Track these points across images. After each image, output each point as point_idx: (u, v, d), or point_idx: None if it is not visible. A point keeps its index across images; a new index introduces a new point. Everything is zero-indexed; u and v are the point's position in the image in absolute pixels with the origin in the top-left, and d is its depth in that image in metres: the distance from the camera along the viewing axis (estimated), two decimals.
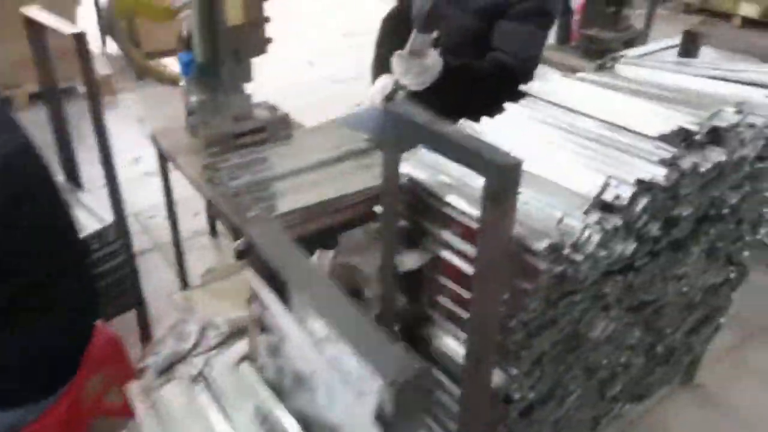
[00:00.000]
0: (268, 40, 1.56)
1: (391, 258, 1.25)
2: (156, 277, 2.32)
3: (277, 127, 1.62)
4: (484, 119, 1.33)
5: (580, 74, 1.48)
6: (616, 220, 1.05)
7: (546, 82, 1.41)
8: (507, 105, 1.37)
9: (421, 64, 1.55)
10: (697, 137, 1.17)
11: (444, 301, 1.21)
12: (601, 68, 1.79)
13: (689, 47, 1.62)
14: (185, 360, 1.24)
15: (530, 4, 1.67)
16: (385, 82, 1.72)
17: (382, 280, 1.31)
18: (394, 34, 2.01)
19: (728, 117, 1.21)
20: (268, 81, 2.05)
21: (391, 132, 1.12)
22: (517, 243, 1.00)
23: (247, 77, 1.54)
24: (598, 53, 2.31)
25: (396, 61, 1.59)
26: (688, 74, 1.48)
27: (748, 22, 5.48)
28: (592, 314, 1.19)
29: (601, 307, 1.21)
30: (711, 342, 1.80)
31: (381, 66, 1.98)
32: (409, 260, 1.23)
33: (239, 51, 1.50)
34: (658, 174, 1.08)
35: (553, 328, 1.14)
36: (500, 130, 1.28)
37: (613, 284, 1.18)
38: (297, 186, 1.41)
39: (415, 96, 1.74)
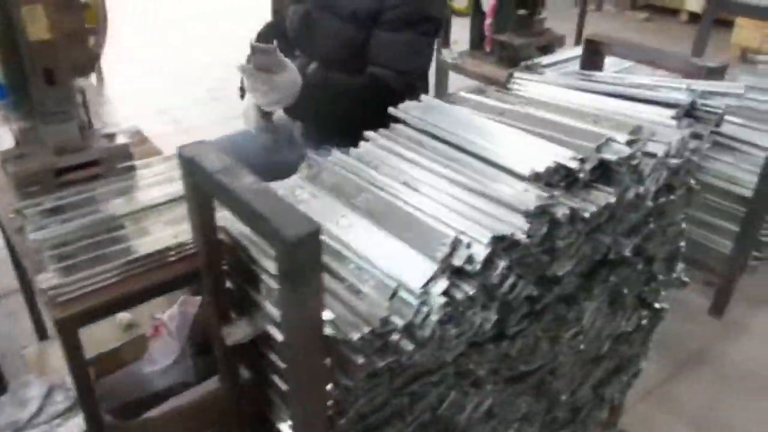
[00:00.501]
0: (95, 57, 1.31)
1: (218, 327, 1.00)
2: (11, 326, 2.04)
3: (114, 160, 1.36)
4: (352, 149, 1.10)
5: (461, 93, 1.26)
6: (469, 288, 0.83)
7: (420, 104, 1.19)
8: (368, 133, 1.14)
9: (269, 81, 1.31)
10: (580, 175, 0.95)
11: (280, 382, 0.97)
12: (509, 78, 1.58)
13: (593, 57, 1.41)
14: None
15: (406, 9, 1.44)
16: (249, 101, 1.47)
17: (217, 350, 1.07)
18: None
19: (619, 148, 0.99)
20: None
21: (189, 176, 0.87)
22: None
23: (67, 101, 1.28)
24: (512, 60, 2.10)
25: (244, 77, 1.35)
26: (585, 90, 1.27)
27: (694, 18, 5.38)
28: (456, 395, 0.96)
29: (470, 384, 0.98)
30: (631, 387, 1.60)
31: None
32: (237, 332, 0.99)
33: (53, 71, 1.24)
34: (522, 227, 0.85)
35: (405, 418, 0.91)
36: (354, 165, 1.05)
37: (482, 357, 0.96)
38: (119, 236, 1.15)
39: (293, 115, 1.51)
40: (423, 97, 1.21)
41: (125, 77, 4.08)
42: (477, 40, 2.25)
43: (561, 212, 0.90)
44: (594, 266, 1.09)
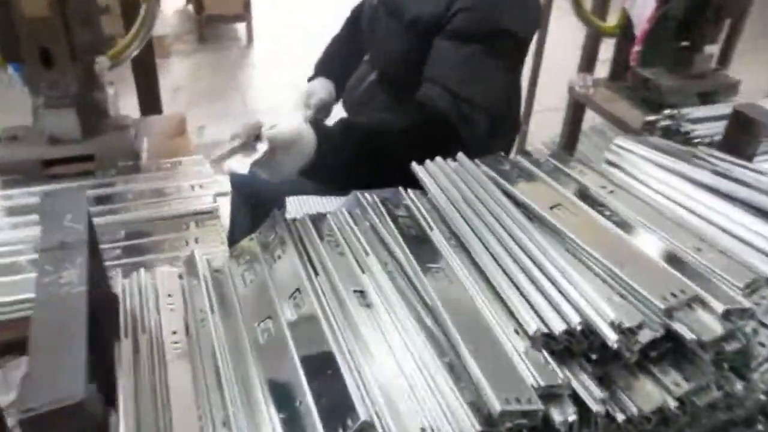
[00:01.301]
0: (110, 40, 1.12)
1: None
2: None
3: (114, 156, 1.17)
4: None
5: (518, 158, 0.89)
6: None
7: (450, 165, 0.85)
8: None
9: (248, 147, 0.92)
10: (626, 354, 0.58)
11: None
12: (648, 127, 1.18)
13: (742, 136, 0.97)
14: None
15: (475, 15, 1.08)
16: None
17: None
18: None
19: (709, 322, 0.60)
20: None
21: None
22: None
23: (65, 86, 1.10)
24: (654, 104, 1.63)
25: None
26: (705, 188, 0.85)
27: None
28: None
29: None
30: None
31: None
32: None
33: (49, 52, 1.06)
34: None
35: None
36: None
37: None
38: None
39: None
40: (459, 155, 0.87)
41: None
42: (619, 69, 1.80)
43: (558, 417, 0.53)
44: None
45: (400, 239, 0.71)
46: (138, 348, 0.62)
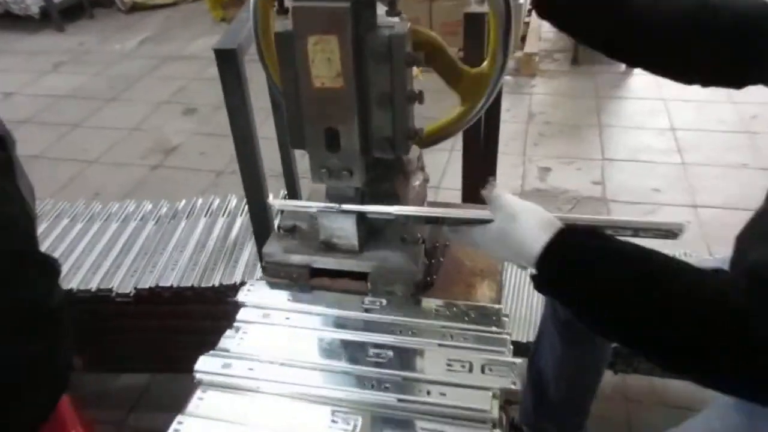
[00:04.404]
0: (416, 132, 0.78)
1: None
2: None
3: (390, 281, 0.87)
4: None
5: None
6: None
7: None
8: None
9: None
10: None
11: None
12: None
13: None
14: None
15: None
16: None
17: None
18: None
19: None
20: None
21: None
22: None
23: (350, 180, 0.82)
24: None
25: None
26: None
27: None
28: None
29: None
30: None
31: None
32: None
33: (337, 133, 0.78)
34: None
35: None
36: None
37: None
38: None
39: None
40: None
41: None
42: None
43: None
44: None
45: None
46: None
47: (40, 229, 1.67)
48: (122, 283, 1.46)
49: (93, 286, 1.46)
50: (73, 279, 1.49)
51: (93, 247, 1.59)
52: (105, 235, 1.64)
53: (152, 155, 2.98)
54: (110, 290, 1.45)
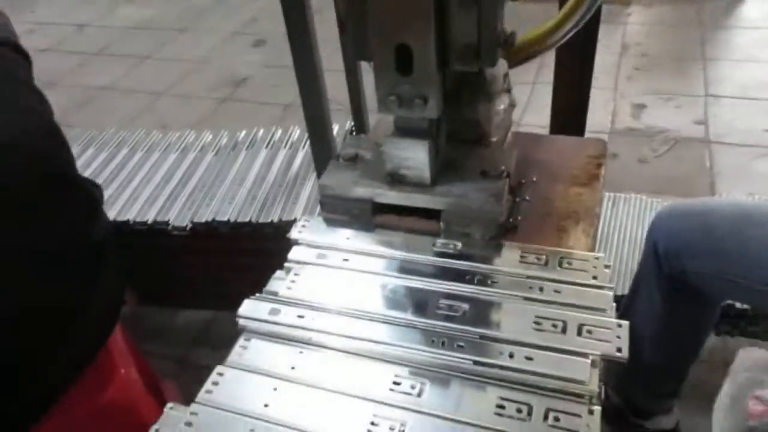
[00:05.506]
0: (509, 37, 0.62)
1: None
2: None
3: (467, 223, 0.73)
4: None
5: None
6: None
7: None
8: None
9: None
10: None
11: None
12: None
13: None
14: None
15: None
16: None
17: None
18: None
19: None
20: None
21: None
22: None
23: (421, 108, 0.67)
24: None
25: None
26: None
27: None
28: None
29: None
30: None
31: None
32: None
33: (411, 53, 0.63)
34: None
35: None
36: None
37: None
38: None
39: None
40: None
41: None
42: None
43: None
44: None
45: None
46: None
47: (100, 158, 1.62)
48: (179, 216, 1.39)
49: (149, 218, 1.39)
50: (130, 210, 1.42)
51: (151, 179, 1.52)
52: (163, 166, 1.57)
53: (221, 88, 2.90)
54: (167, 223, 1.38)
